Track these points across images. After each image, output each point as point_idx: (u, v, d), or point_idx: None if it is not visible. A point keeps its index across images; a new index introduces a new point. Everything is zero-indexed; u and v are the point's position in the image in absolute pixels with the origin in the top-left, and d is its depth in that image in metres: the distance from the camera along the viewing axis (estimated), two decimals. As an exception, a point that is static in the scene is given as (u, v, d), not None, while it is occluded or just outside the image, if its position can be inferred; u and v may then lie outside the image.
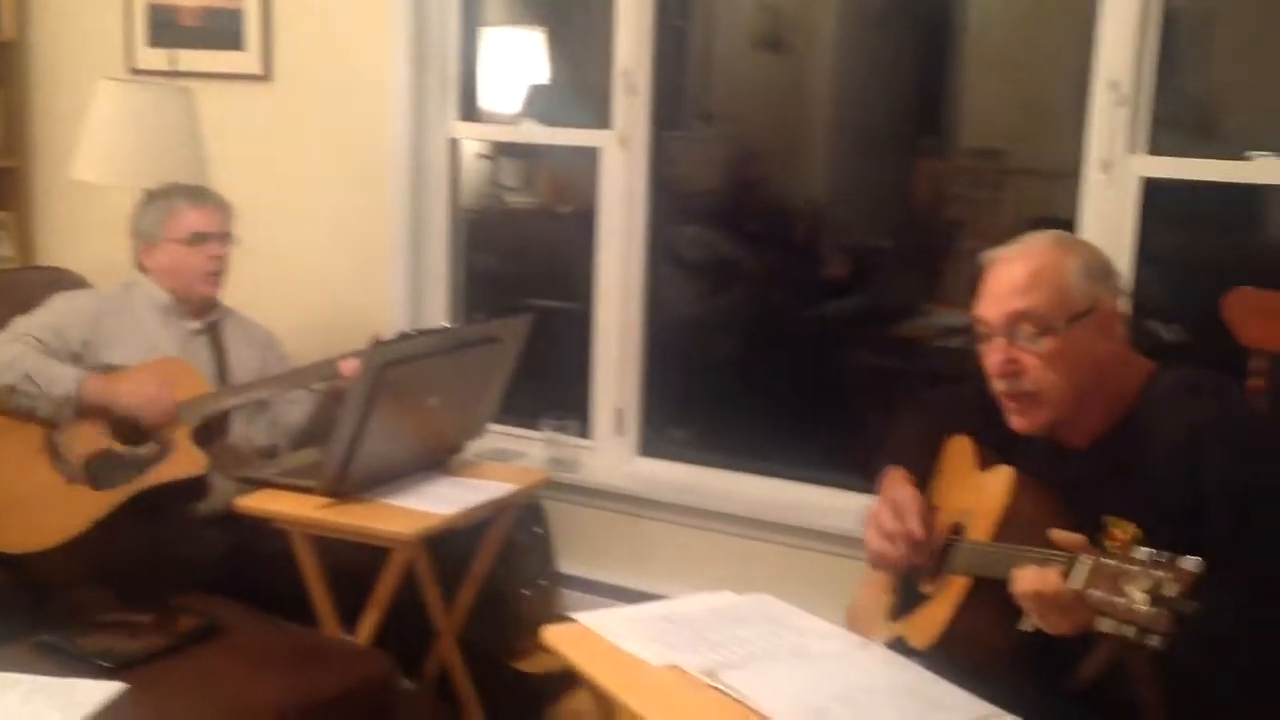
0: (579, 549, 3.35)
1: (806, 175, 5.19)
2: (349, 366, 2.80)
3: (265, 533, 2.54)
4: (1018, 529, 1.88)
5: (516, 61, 4.06)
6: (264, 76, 3.66)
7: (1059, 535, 1.66)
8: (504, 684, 2.95)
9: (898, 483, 2.16)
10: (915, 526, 2.06)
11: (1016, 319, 1.91)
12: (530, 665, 3.00)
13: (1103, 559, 1.57)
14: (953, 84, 5.12)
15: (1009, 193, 4.79)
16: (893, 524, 2.08)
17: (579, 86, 3.77)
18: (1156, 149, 2.82)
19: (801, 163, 5.19)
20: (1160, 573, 1.50)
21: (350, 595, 2.55)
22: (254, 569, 2.63)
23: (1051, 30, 3.31)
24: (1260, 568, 1.75)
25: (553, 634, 2.00)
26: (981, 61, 5.16)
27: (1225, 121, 3.76)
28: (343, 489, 2.52)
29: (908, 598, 2.07)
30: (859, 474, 2.24)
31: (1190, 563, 1.49)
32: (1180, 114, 3.78)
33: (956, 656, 1.87)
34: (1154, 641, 1.49)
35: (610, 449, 3.51)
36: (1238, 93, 3.88)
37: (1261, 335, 2.37)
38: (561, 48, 4.34)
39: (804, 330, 4.43)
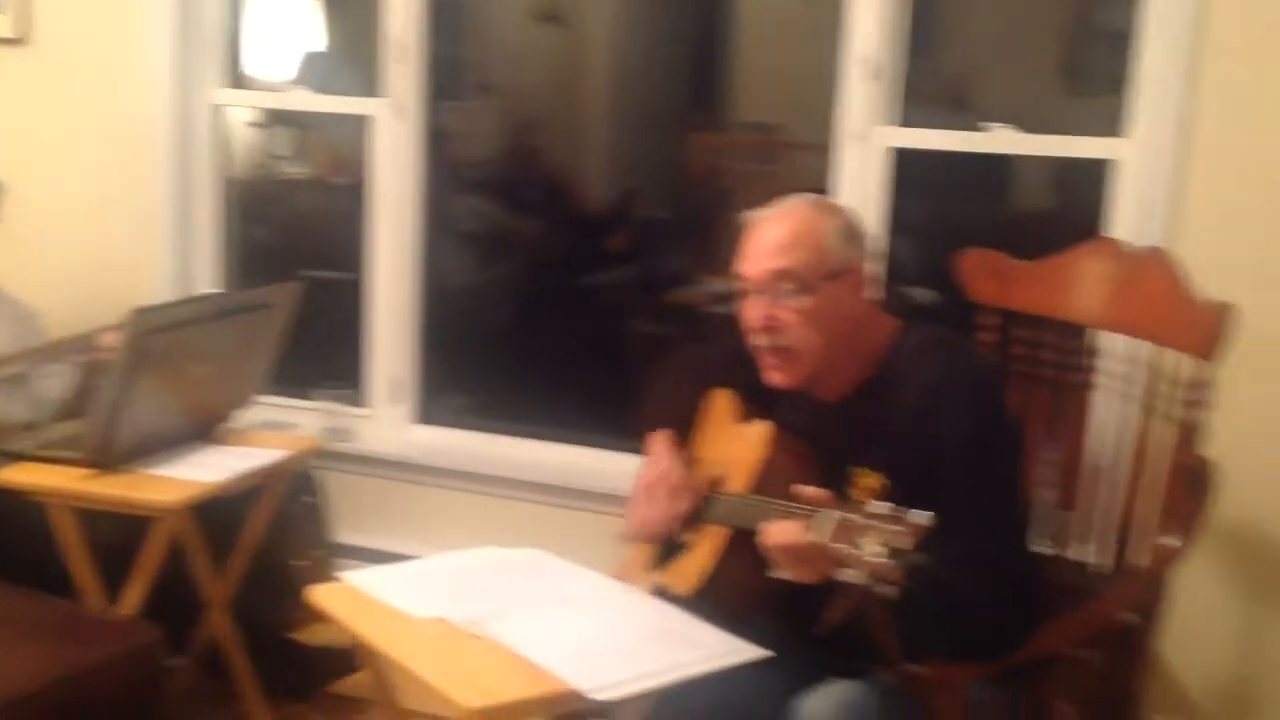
0: (356, 518, 3.34)
1: (584, 147, 5.26)
2: (109, 338, 2.73)
3: (24, 506, 2.47)
4: (772, 481, 1.97)
5: (287, 27, 4.00)
6: (19, 40, 3.52)
7: (805, 490, 1.76)
8: (280, 656, 2.93)
9: (660, 454, 2.23)
10: (678, 501, 2.13)
11: (777, 277, 1.99)
12: (307, 637, 2.99)
13: (844, 514, 1.66)
14: (726, 59, 5.26)
15: (782, 165, 4.96)
16: (654, 507, 2.16)
17: (352, 54, 3.74)
18: (909, 121, 2.97)
19: (579, 135, 5.25)
20: (894, 527, 1.60)
21: (119, 570, 2.50)
22: (13, 543, 2.55)
23: (815, 6, 3.43)
24: (986, 511, 1.89)
25: (319, 594, 2.01)
26: (753, 38, 5.32)
27: (973, 96, 3.97)
28: (106, 460, 2.47)
29: (670, 547, 2.14)
30: (632, 436, 2.31)
31: (920, 517, 1.59)
32: (931, 88, 3.98)
33: (715, 602, 1.96)
34: (888, 590, 1.59)
35: (386, 418, 3.51)
36: (984, 68, 4.11)
37: (990, 293, 2.54)
38: (335, 13, 4.29)
39: (582, 299, 4.50)
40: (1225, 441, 2.25)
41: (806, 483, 1.79)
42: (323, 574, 2.91)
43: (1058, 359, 2.46)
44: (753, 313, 2.02)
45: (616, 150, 5.31)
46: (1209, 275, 2.26)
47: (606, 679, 1.71)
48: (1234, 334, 2.13)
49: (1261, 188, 2.62)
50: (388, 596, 1.96)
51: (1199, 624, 2.69)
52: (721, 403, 2.24)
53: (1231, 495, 2.24)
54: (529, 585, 2.03)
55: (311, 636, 2.98)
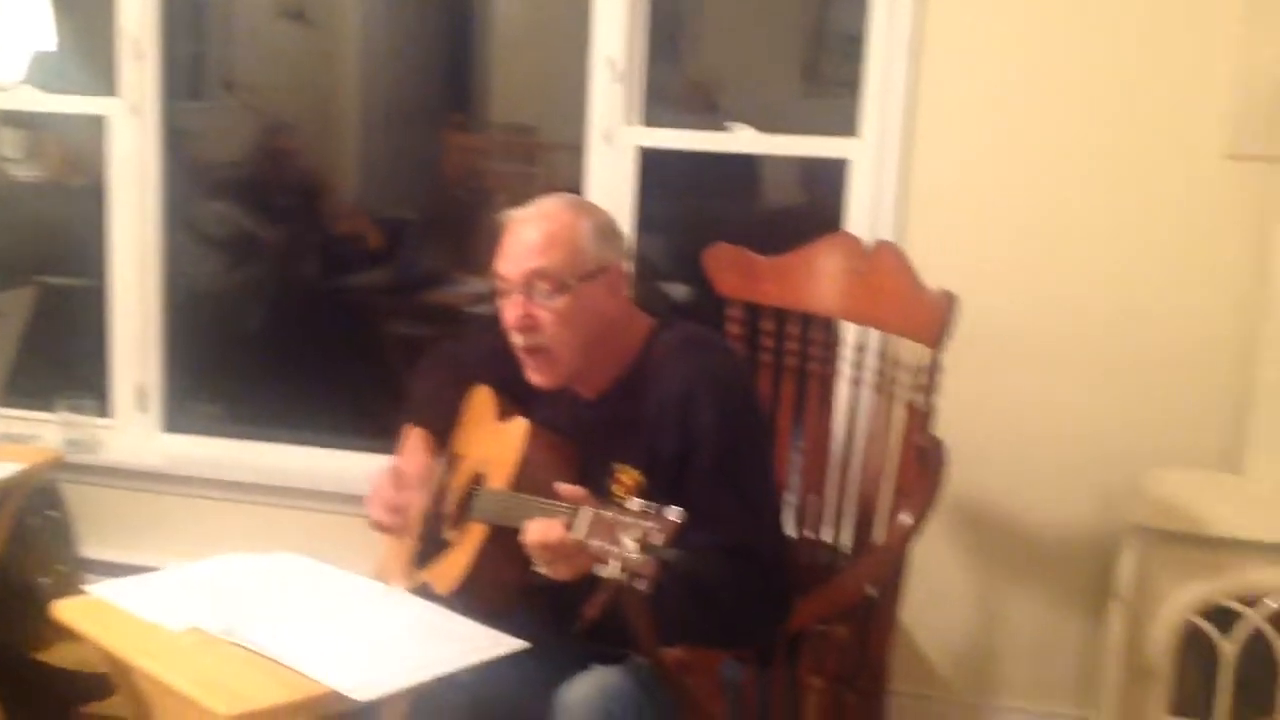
0: (105, 532, 3.22)
1: (336, 148, 5.18)
2: None
3: None
4: (532, 478, 1.99)
5: (14, 25, 3.81)
6: None
7: (563, 488, 1.78)
8: (25, 677, 2.81)
9: (409, 449, 2.23)
10: (414, 498, 2.15)
11: (534, 277, 2.00)
12: (56, 658, 2.87)
13: (601, 511, 1.70)
14: (481, 60, 5.26)
15: (538, 166, 5.00)
16: (393, 495, 2.16)
17: (86, 52, 3.59)
18: (659, 122, 3.04)
19: (332, 135, 5.17)
20: (649, 523, 1.63)
21: None
22: None
23: (563, 8, 3.47)
24: (738, 502, 1.96)
25: (65, 609, 1.94)
26: (506, 39, 5.34)
27: (721, 97, 4.10)
28: None
29: (431, 545, 2.15)
30: (390, 437, 2.31)
31: (673, 513, 1.63)
32: (680, 90, 4.09)
33: (477, 599, 1.97)
34: (642, 585, 1.63)
35: (133, 427, 3.39)
36: (730, 70, 4.25)
37: (736, 287, 2.64)
38: (66, 10, 4.10)
39: (335, 301, 4.44)
40: (953, 421, 2.40)
41: (566, 479, 1.81)
42: (69, 589, 2.79)
43: (803, 349, 2.57)
44: (511, 312, 2.03)
45: (370, 151, 5.26)
46: (934, 267, 2.40)
47: (364, 678, 1.70)
48: (957, 321, 2.27)
49: (977, 184, 2.79)
50: (138, 609, 1.90)
51: (936, 594, 2.85)
52: (482, 400, 2.25)
53: (961, 472, 2.38)
54: (284, 590, 2.00)
55: (60, 657, 2.85)
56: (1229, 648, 2.36)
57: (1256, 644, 2.36)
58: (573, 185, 3.03)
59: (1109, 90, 2.70)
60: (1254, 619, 2.34)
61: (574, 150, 3.08)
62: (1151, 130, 2.69)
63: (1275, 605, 2.33)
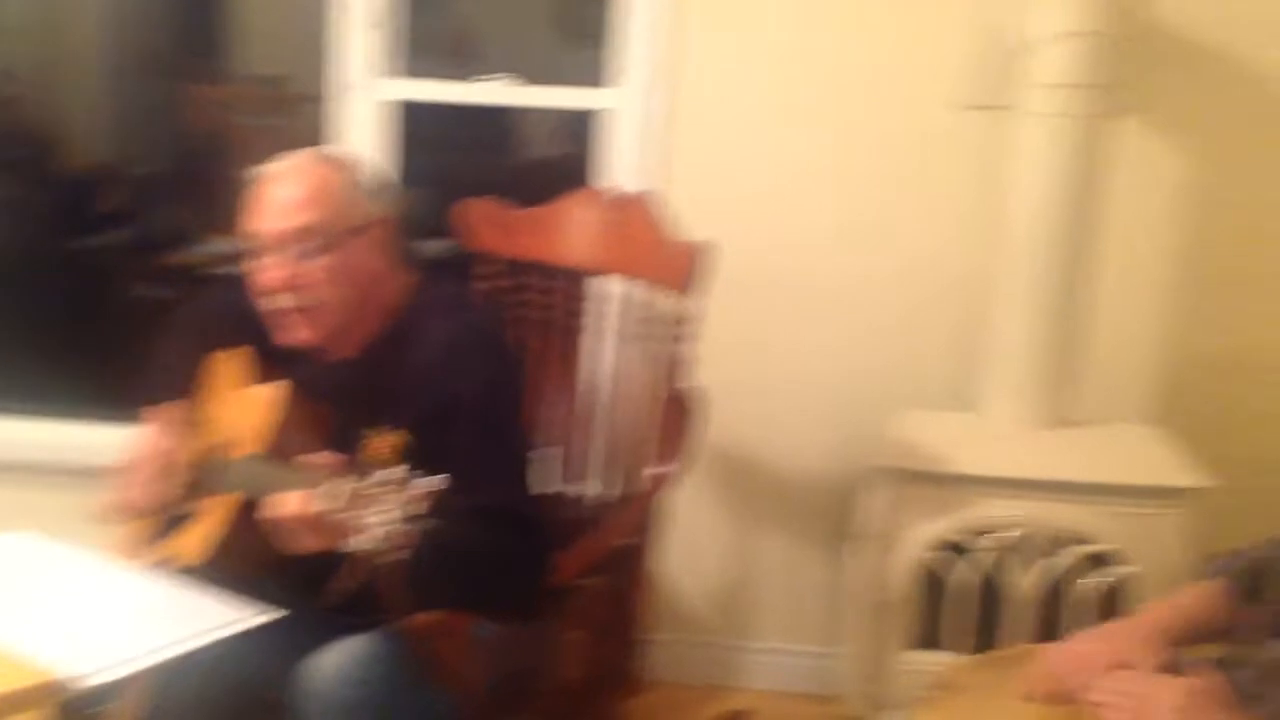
0: None
1: (70, 98, 4.89)
2: None
3: None
4: (286, 444, 1.92)
5: None
6: None
7: (317, 457, 1.73)
8: None
9: (151, 421, 2.13)
10: (157, 472, 2.06)
11: (298, 235, 1.93)
12: None
13: (356, 480, 1.64)
14: (225, 7, 5.04)
15: (287, 118, 4.82)
16: (135, 471, 2.07)
17: None
18: (416, 74, 2.97)
19: (64, 84, 4.87)
20: (406, 493, 1.60)
21: None
22: None
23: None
24: (498, 463, 1.94)
25: None
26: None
27: (481, 48, 4.03)
28: None
29: (174, 518, 2.07)
30: (131, 406, 2.19)
31: (431, 482, 1.60)
32: (439, 41, 4.01)
33: (224, 572, 1.90)
34: (399, 555, 1.60)
35: None
36: (489, 20, 4.19)
37: (492, 242, 2.61)
38: None
39: (69, 263, 4.21)
40: (710, 370, 2.43)
41: (320, 444, 1.77)
42: None
43: (559, 303, 2.56)
44: (273, 273, 1.96)
45: (108, 102, 4.98)
46: (695, 216, 2.42)
47: (100, 662, 1.62)
48: (711, 270, 2.30)
49: (735, 133, 2.83)
50: None
51: (693, 541, 2.91)
52: (229, 365, 2.16)
53: (716, 419, 2.42)
54: (13, 572, 1.89)
55: None
56: (963, 579, 2.48)
57: (988, 575, 2.48)
58: (322, 138, 2.93)
59: (856, 44, 2.78)
60: (987, 551, 2.46)
61: (322, 101, 2.98)
62: (894, 82, 2.78)
63: (1006, 537, 2.45)
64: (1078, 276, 2.56)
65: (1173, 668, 1.68)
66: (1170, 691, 1.57)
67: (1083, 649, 1.76)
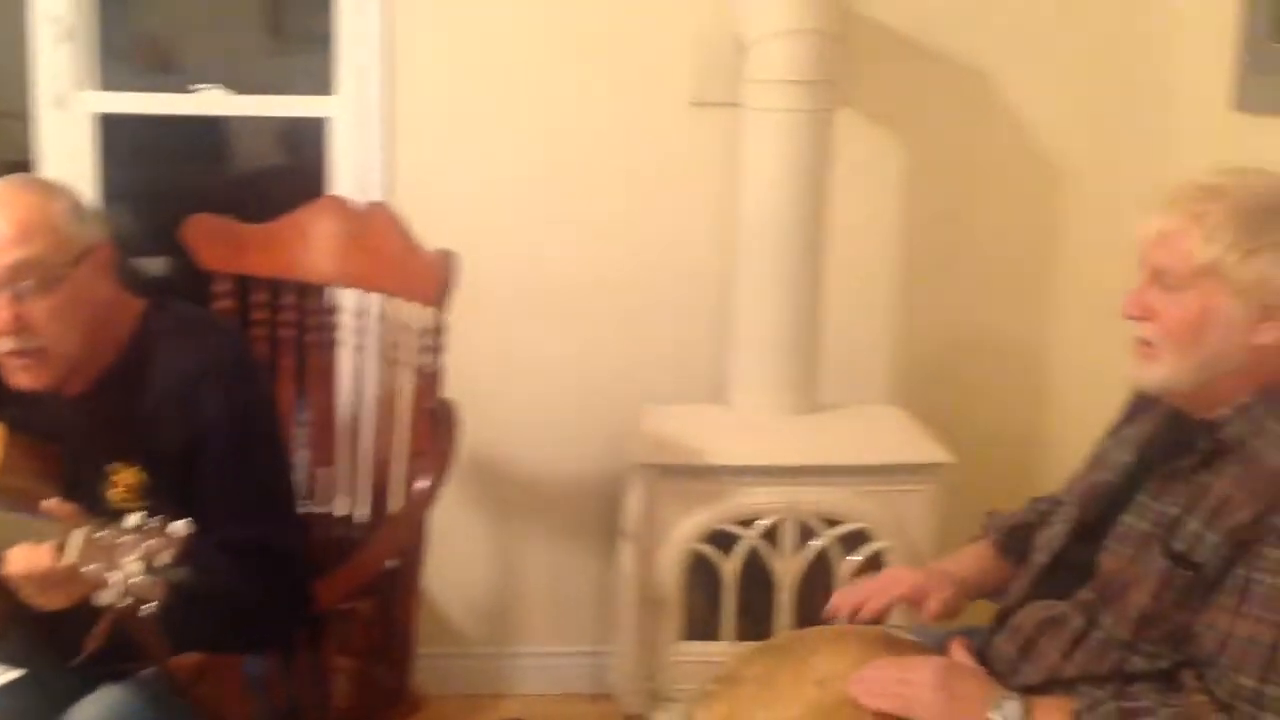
0: None
1: None
2: None
3: None
4: (11, 491, 1.77)
5: None
6: None
7: (51, 505, 1.59)
8: None
9: None
10: None
11: (16, 272, 1.76)
12: None
13: (96, 532, 1.53)
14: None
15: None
16: None
17: None
18: (112, 85, 2.80)
19: None
20: (152, 541, 1.49)
21: None
22: None
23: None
24: (250, 493, 1.84)
25: None
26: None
27: (185, 58, 3.86)
28: None
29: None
30: None
31: (179, 527, 1.50)
32: (140, 51, 3.80)
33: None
34: (150, 609, 1.50)
35: None
36: (193, 29, 4.00)
37: (223, 259, 2.48)
38: None
39: None
40: (462, 381, 2.39)
41: (53, 490, 1.63)
42: None
43: (300, 320, 2.46)
44: None
45: None
46: (428, 225, 2.37)
47: None
48: (458, 280, 2.26)
49: (462, 138, 2.79)
50: None
51: (456, 554, 2.86)
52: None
53: (473, 430, 2.38)
54: None
55: None
56: (729, 568, 2.53)
57: (754, 563, 2.53)
58: (22, 158, 2.73)
59: (583, 43, 2.78)
60: (750, 539, 2.51)
61: (12, 116, 2.78)
62: (628, 82, 2.80)
63: (767, 523, 2.51)
64: (812, 266, 2.64)
65: (937, 645, 1.76)
66: (929, 670, 1.63)
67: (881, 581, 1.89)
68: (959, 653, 1.70)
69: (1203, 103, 2.67)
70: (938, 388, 2.91)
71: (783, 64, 2.55)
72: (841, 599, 1.91)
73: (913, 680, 1.62)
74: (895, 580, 1.93)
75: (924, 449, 2.55)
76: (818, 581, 2.50)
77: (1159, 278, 1.59)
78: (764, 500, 2.50)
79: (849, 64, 2.70)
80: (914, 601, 1.87)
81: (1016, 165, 2.89)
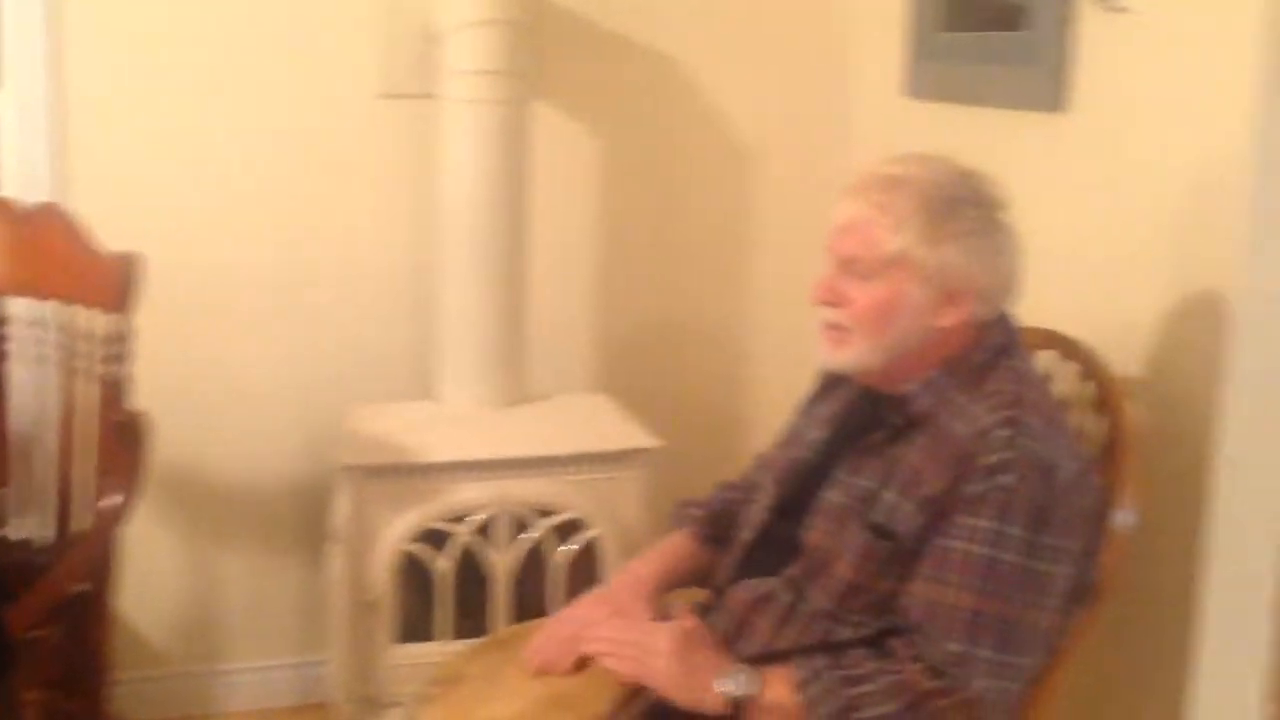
0: None
1: None
2: None
3: None
4: None
5: None
6: None
7: None
8: None
9: None
10: None
11: None
12: None
13: None
14: None
15: None
16: None
17: None
18: None
19: None
20: None
21: None
22: None
23: None
24: None
25: None
26: None
27: None
28: None
29: None
30: None
31: None
32: None
33: None
34: None
35: None
36: None
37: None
38: None
39: None
40: (153, 391, 2.27)
41: None
42: None
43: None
44: None
45: None
46: (107, 227, 2.23)
47: None
48: (142, 284, 2.14)
49: (139, 136, 2.64)
50: None
51: (151, 573, 2.72)
52: None
53: (166, 442, 2.26)
54: None
55: None
56: (442, 566, 2.49)
57: (468, 560, 2.50)
58: None
59: (268, 38, 2.68)
60: (462, 535, 2.48)
61: None
62: (313, 75, 2.71)
63: (480, 519, 2.48)
64: (515, 257, 2.63)
65: (662, 615, 1.78)
66: (662, 635, 1.65)
67: (578, 612, 1.83)
68: (689, 620, 1.72)
69: (878, 89, 2.82)
70: (643, 374, 2.95)
71: (476, 54, 2.53)
72: (537, 651, 1.80)
73: (649, 646, 1.64)
74: (587, 625, 1.78)
75: (631, 435, 2.58)
76: (533, 574, 2.50)
77: (848, 265, 1.65)
78: (475, 495, 2.47)
79: (542, 55, 2.70)
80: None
81: (708, 152, 2.96)
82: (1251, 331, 1.73)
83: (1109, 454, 1.74)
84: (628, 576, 1.89)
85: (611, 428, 2.64)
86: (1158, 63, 1.92)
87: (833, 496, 1.68)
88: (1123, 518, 1.69)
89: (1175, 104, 1.89)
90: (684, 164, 2.96)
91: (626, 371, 2.94)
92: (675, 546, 1.94)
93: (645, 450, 2.55)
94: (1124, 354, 1.90)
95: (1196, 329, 1.83)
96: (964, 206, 1.63)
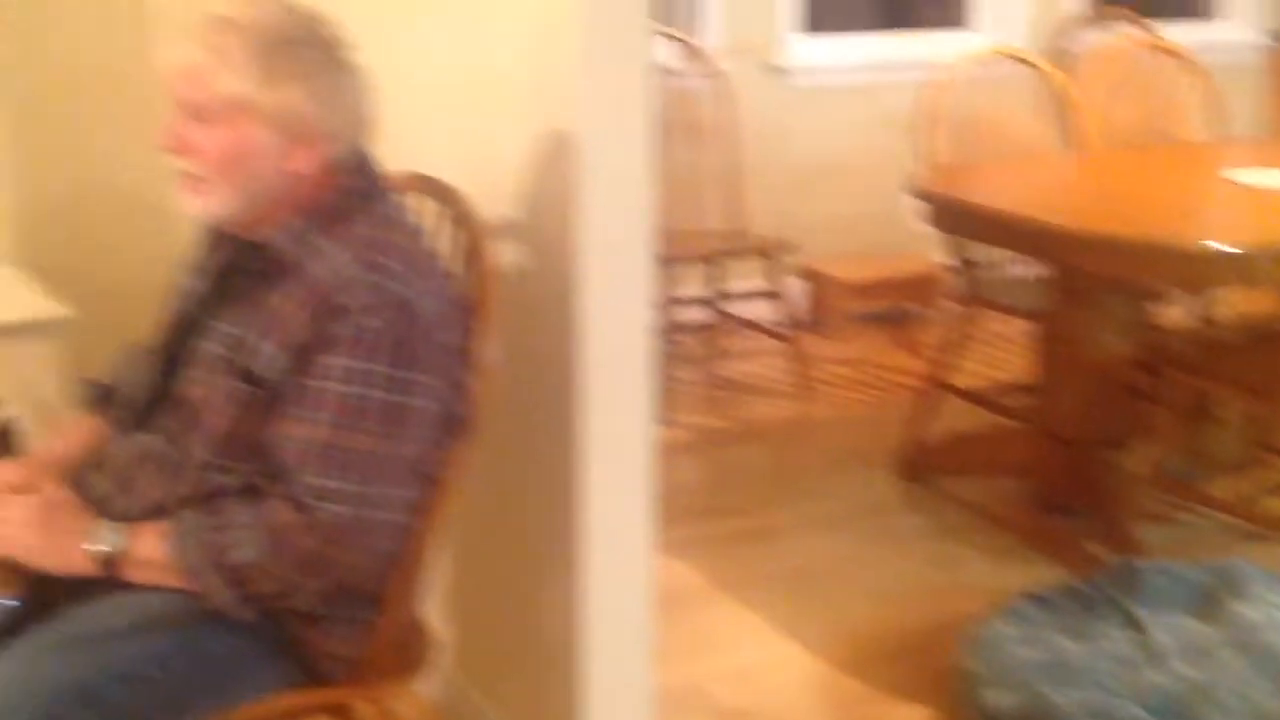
0: None
1: None
2: None
3: None
4: None
5: None
6: None
7: None
8: None
9: None
10: None
11: None
12: None
13: None
14: None
15: None
16: None
17: None
18: None
19: None
20: None
21: None
22: None
23: None
24: None
25: None
26: None
27: None
28: None
29: None
30: None
31: None
32: None
33: None
34: None
35: None
36: None
37: None
38: None
39: None
40: None
41: None
42: None
43: None
44: None
45: None
46: None
47: None
48: None
49: None
50: None
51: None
52: None
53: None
54: None
55: None
56: None
57: None
58: None
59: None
60: None
61: None
62: None
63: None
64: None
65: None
66: (16, 506, 1.60)
67: None
68: (52, 489, 1.67)
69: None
70: (62, 245, 2.78)
71: None
72: None
73: (7, 519, 1.59)
74: None
75: (40, 306, 2.45)
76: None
77: (192, 112, 1.62)
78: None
79: None
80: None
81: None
82: (594, 168, 1.82)
83: (478, 292, 1.80)
84: (35, 456, 1.83)
85: (18, 298, 2.50)
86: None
87: (208, 347, 1.67)
88: (490, 352, 1.76)
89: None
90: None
91: (40, 243, 2.76)
92: (81, 425, 1.88)
93: (58, 321, 2.42)
94: (494, 193, 1.94)
95: (554, 166, 1.88)
96: (300, 48, 1.62)
